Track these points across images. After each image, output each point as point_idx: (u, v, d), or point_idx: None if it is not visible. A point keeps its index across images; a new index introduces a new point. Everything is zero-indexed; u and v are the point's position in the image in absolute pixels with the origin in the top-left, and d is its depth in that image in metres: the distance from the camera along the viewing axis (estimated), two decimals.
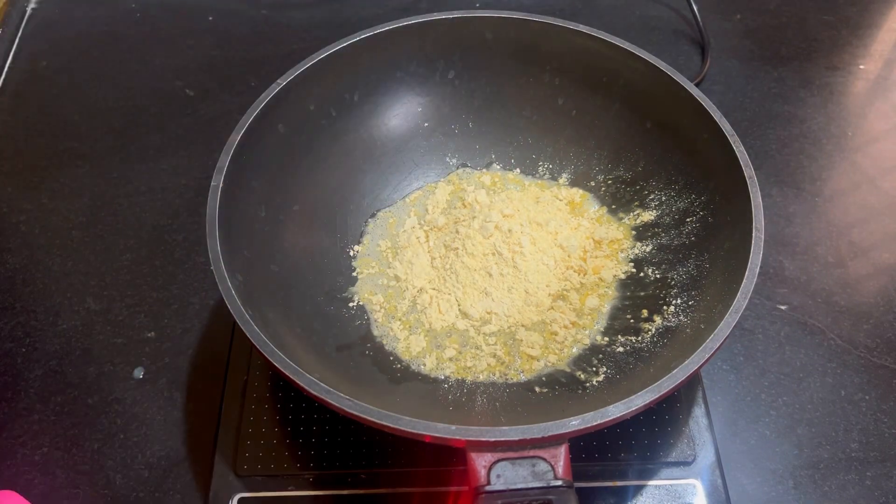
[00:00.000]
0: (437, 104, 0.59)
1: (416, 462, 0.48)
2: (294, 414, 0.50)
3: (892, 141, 0.69)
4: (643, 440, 0.48)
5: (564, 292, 0.52)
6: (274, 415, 0.50)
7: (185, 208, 0.64)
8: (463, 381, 0.49)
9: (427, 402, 0.47)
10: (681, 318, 0.47)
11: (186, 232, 0.62)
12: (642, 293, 0.51)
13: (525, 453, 0.36)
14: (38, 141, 0.69)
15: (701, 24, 0.77)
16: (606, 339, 0.50)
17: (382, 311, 0.52)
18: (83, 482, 0.49)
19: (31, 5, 0.82)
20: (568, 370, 0.48)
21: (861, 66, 0.76)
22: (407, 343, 0.50)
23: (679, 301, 0.48)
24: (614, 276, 0.53)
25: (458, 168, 0.60)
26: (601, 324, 0.51)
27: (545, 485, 0.35)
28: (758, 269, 0.41)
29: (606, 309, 0.52)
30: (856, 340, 0.56)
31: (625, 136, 0.56)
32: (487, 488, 0.35)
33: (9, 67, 0.76)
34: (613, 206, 0.57)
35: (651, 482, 0.48)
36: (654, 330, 0.48)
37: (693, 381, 0.52)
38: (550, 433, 0.35)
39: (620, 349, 0.48)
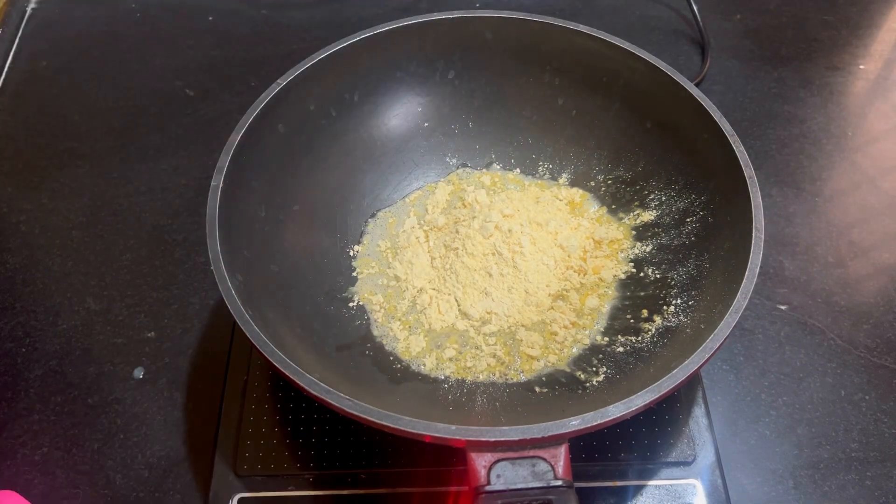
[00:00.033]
0: (437, 104, 0.59)
1: (416, 462, 0.48)
2: (294, 414, 0.50)
3: (892, 141, 0.69)
4: (643, 440, 0.48)
5: (564, 292, 0.52)
6: (274, 415, 0.50)
7: (185, 208, 0.64)
8: (463, 381, 0.49)
9: (427, 402, 0.47)
10: (681, 318, 0.47)
11: (186, 232, 0.62)
12: (642, 293, 0.51)
13: (525, 453, 0.36)
14: (38, 141, 0.69)
15: (701, 24, 0.77)
16: (606, 339, 0.50)
17: (382, 311, 0.52)
18: (83, 482, 0.49)
19: (31, 5, 0.82)
20: (568, 370, 0.48)
21: (861, 66, 0.76)
22: (407, 343, 0.50)
23: (679, 301, 0.48)
24: (614, 276, 0.53)
25: (458, 168, 0.60)
26: (601, 324, 0.51)
27: (545, 485, 0.35)
28: (758, 269, 0.41)
29: (606, 309, 0.52)
30: (856, 340, 0.56)
31: (625, 136, 0.56)
32: (487, 488, 0.35)
33: (9, 67, 0.76)
34: (613, 206, 0.57)
35: (651, 482, 0.48)
36: (654, 330, 0.48)
37: (693, 381, 0.52)
38: (550, 433, 0.35)
39: (620, 349, 0.48)
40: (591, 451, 0.48)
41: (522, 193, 0.57)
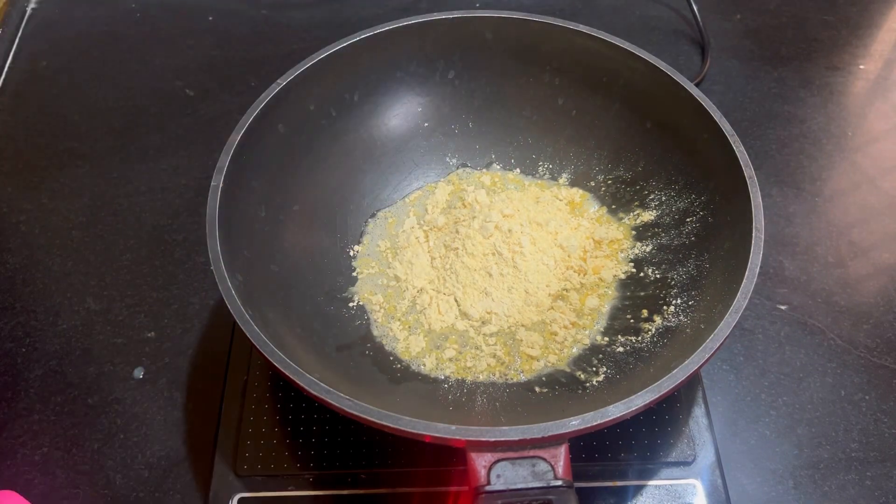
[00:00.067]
0: (437, 104, 0.59)
1: (416, 462, 0.48)
2: (294, 414, 0.50)
3: (892, 141, 0.69)
4: (643, 440, 0.48)
5: (564, 292, 0.52)
6: (274, 415, 0.50)
7: (185, 208, 0.64)
8: (463, 381, 0.49)
9: (427, 402, 0.47)
10: (681, 318, 0.47)
11: (186, 232, 0.62)
12: (642, 293, 0.51)
13: (525, 453, 0.36)
14: (38, 141, 0.69)
15: (701, 24, 0.77)
16: (606, 339, 0.50)
17: (382, 311, 0.52)
18: (83, 482, 0.49)
19: (31, 5, 0.82)
20: (568, 370, 0.48)
21: (861, 66, 0.76)
22: (407, 343, 0.50)
23: (679, 301, 0.48)
24: (614, 276, 0.53)
25: (458, 168, 0.60)
26: (601, 324, 0.51)
27: (545, 485, 0.35)
28: (758, 269, 0.41)
29: (606, 309, 0.52)
30: (856, 340, 0.56)
31: (625, 136, 0.56)
32: (487, 488, 0.35)
33: (9, 67, 0.76)
34: (613, 206, 0.57)
35: (651, 482, 0.48)
36: (654, 330, 0.48)
37: (693, 381, 0.52)
38: (550, 433, 0.35)
39: (620, 349, 0.48)
40: (591, 451, 0.48)
41: (522, 193, 0.57)
